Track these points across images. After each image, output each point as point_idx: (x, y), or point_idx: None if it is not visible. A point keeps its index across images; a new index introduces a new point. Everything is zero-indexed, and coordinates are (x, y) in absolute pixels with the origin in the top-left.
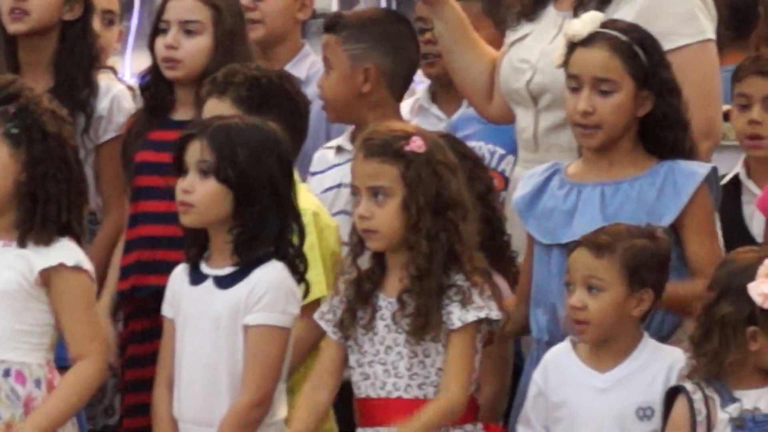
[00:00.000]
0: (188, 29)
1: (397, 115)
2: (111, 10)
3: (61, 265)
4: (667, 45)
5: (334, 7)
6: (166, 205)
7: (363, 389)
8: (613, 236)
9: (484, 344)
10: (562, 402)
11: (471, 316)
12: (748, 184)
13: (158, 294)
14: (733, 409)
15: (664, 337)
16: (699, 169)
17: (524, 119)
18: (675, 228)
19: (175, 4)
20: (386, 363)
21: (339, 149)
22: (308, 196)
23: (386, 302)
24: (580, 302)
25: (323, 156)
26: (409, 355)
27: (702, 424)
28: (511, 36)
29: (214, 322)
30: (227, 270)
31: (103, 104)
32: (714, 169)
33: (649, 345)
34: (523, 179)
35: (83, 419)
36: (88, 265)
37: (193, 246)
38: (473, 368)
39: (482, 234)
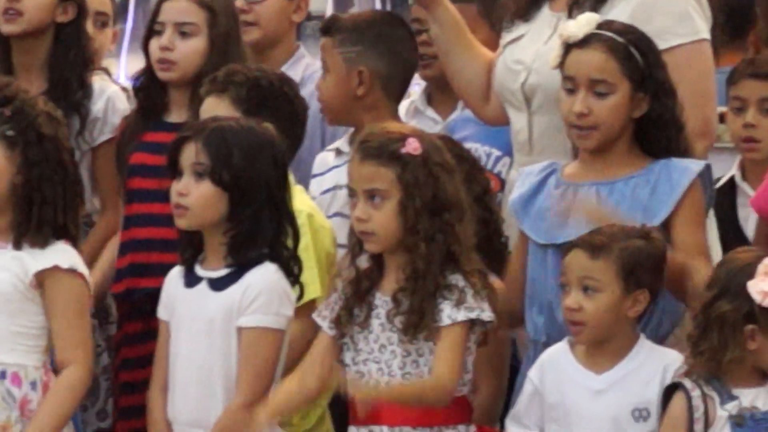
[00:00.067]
0: (183, 31)
1: (394, 117)
2: (104, 12)
3: (56, 268)
4: (661, 44)
5: (329, 9)
6: (160, 207)
7: None
8: (609, 237)
9: (478, 345)
10: (558, 402)
11: (461, 315)
12: (744, 186)
13: (152, 296)
14: (731, 407)
15: (662, 337)
16: (692, 165)
17: (518, 121)
18: (666, 224)
19: (170, 6)
20: (380, 362)
21: (338, 152)
22: (303, 198)
23: (382, 301)
24: (576, 303)
25: (324, 158)
26: (402, 354)
27: (700, 420)
28: (506, 37)
29: (209, 325)
30: (221, 272)
31: (97, 106)
32: (707, 167)
33: (645, 346)
34: (520, 178)
35: (78, 422)
36: (83, 269)
37: (188, 248)
38: (462, 362)
39: (480, 235)
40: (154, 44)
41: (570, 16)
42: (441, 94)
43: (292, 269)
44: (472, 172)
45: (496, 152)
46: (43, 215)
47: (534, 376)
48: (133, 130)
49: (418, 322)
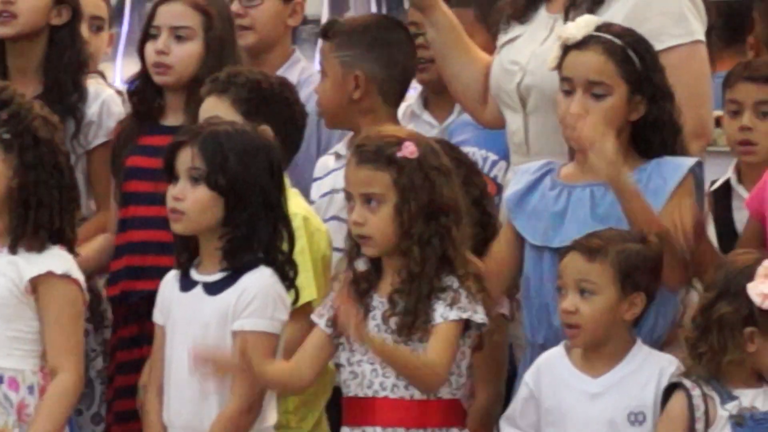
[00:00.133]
0: (179, 35)
1: (392, 121)
2: (99, 16)
3: (50, 273)
4: (657, 45)
5: (325, 13)
6: (156, 210)
7: (352, 388)
8: (606, 240)
9: (474, 349)
10: (554, 406)
11: (453, 314)
12: (739, 190)
13: (147, 300)
14: (732, 407)
15: (657, 338)
16: (685, 161)
17: (514, 122)
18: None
19: (166, 10)
20: (374, 362)
21: (337, 155)
22: (298, 201)
23: (379, 302)
24: (573, 306)
25: (324, 162)
26: None
27: (701, 420)
28: (502, 38)
29: (204, 329)
30: (216, 276)
31: (92, 109)
32: (699, 163)
33: (642, 350)
34: (516, 175)
35: (74, 426)
36: (78, 274)
37: (183, 252)
38: (454, 357)
39: (477, 239)
40: (150, 48)
41: (566, 17)
42: (437, 98)
43: (287, 273)
44: (469, 176)
45: (492, 156)
46: (39, 219)
47: (530, 379)
48: (129, 134)
49: (412, 323)
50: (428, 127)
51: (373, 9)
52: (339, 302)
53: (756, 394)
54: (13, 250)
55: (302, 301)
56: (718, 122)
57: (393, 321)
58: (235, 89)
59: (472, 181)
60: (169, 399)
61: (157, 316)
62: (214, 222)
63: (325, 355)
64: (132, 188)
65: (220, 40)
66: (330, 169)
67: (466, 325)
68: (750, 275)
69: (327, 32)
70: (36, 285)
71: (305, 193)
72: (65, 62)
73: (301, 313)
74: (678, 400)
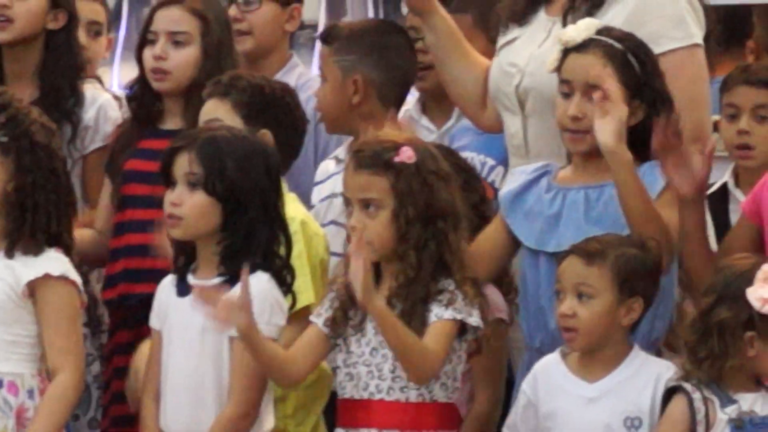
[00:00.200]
0: (176, 40)
1: (392, 125)
2: (97, 22)
3: (47, 275)
4: (656, 48)
5: (322, 17)
6: (154, 214)
7: (347, 390)
8: (605, 244)
9: (472, 354)
10: (551, 412)
11: (448, 314)
12: (736, 193)
13: (144, 304)
14: (731, 411)
15: (654, 342)
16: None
17: (513, 125)
18: None
19: (163, 15)
20: (371, 365)
21: (338, 160)
22: (296, 205)
23: None
24: (570, 309)
25: (325, 166)
26: (393, 358)
27: (701, 423)
28: (500, 40)
29: (200, 334)
30: (213, 281)
31: (89, 114)
32: None
33: (638, 356)
34: (513, 175)
35: (71, 430)
36: (74, 276)
37: (180, 257)
38: (447, 352)
39: None
40: (148, 53)
41: (565, 20)
42: (435, 103)
43: (284, 278)
44: (468, 181)
45: (490, 161)
46: (36, 223)
47: (527, 387)
48: (128, 138)
49: (408, 325)
50: (426, 132)
51: (371, 14)
52: (349, 258)
53: (755, 398)
54: (9, 254)
55: (300, 305)
56: (715, 127)
57: None
58: (237, 93)
59: (472, 186)
60: (166, 404)
61: (154, 321)
62: (211, 227)
63: (319, 352)
64: (130, 191)
65: (217, 45)
66: (330, 173)
67: (462, 329)
68: (749, 279)
69: (326, 37)
70: (33, 288)
71: (302, 197)
72: (62, 67)
73: (298, 317)
74: (679, 403)
